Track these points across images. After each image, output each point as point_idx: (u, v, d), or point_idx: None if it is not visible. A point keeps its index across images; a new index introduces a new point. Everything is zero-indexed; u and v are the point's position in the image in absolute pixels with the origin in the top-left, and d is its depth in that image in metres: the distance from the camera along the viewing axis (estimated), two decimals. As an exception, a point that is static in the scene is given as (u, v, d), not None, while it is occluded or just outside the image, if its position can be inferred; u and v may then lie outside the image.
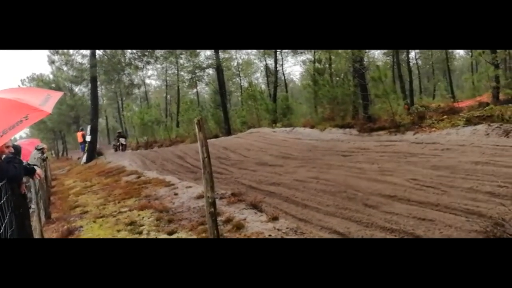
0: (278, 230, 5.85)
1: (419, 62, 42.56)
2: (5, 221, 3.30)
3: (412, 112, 15.30)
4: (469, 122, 11.43)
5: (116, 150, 27.02)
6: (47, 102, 3.35)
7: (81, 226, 7.91)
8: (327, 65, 24.71)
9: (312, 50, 30.66)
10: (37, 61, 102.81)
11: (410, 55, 36.22)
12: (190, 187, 10.14)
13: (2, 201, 3.28)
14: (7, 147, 4.06)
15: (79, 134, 29.25)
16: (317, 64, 24.76)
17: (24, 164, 4.27)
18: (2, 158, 3.80)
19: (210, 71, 34.84)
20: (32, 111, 3.15)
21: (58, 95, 3.71)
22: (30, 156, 8.02)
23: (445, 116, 13.30)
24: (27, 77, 42.33)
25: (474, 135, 10.47)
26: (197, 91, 42.38)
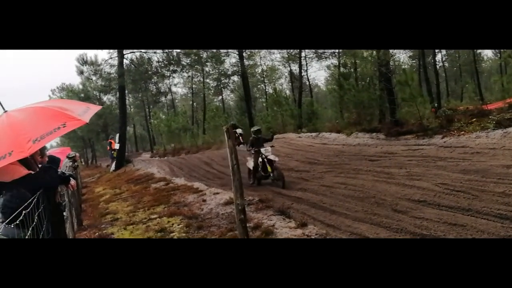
0: (308, 236, 5.87)
1: (446, 64, 41.88)
2: (43, 229, 3.42)
3: (440, 115, 15.08)
4: (499, 124, 11.18)
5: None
6: (85, 113, 3.49)
7: (112, 233, 8.07)
8: (352, 70, 24.60)
9: (337, 55, 30.58)
10: (66, 71, 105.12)
11: (436, 58, 35.72)
12: (217, 193, 10.25)
13: (39, 210, 3.39)
14: (43, 156, 4.21)
15: (110, 141, 29.76)
16: (342, 69, 24.67)
17: (59, 173, 4.40)
18: (39, 167, 3.94)
19: (235, 78, 35.10)
20: (70, 119, 3.29)
21: (96, 108, 3.87)
22: (61, 165, 8.23)
23: (474, 119, 13.05)
24: (57, 87, 43.36)
25: (505, 138, 10.24)
26: (222, 98, 42.64)
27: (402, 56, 36.18)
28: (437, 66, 35.06)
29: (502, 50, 30.79)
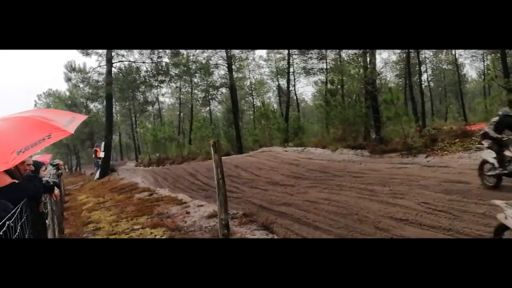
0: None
1: (431, 84, 42.50)
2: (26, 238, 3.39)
3: (424, 134, 15.28)
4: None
5: None
6: (71, 123, 3.49)
7: (94, 243, 7.98)
8: (339, 86, 24.84)
9: (325, 71, 30.90)
10: (54, 78, 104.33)
11: (422, 77, 36.26)
12: (201, 205, 10.22)
13: (22, 220, 3.36)
14: (28, 165, 4.18)
15: (96, 149, 29.61)
16: (329, 85, 24.91)
17: (43, 182, 4.37)
18: (23, 176, 3.91)
19: (224, 90, 35.20)
20: (55, 130, 3.29)
21: (82, 118, 3.86)
22: (45, 172, 8.15)
23: (457, 140, 13.27)
24: (43, 93, 43.11)
25: (486, 159, 10.43)
26: (210, 109, 42.71)
27: (388, 75, 36.72)
28: (423, 86, 35.57)
29: (486, 72, 31.40)
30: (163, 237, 7.65)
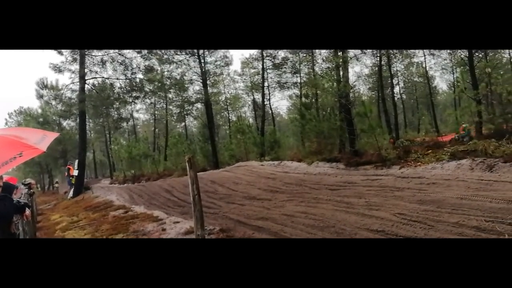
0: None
1: (404, 96, 43.36)
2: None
3: (398, 146, 15.51)
4: (453, 156, 11.62)
5: None
6: (42, 141, 3.43)
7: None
8: (313, 100, 25.09)
9: (299, 85, 31.20)
10: (25, 95, 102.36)
11: (394, 90, 36.94)
12: (178, 222, 10.13)
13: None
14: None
15: (69, 167, 29.05)
16: (304, 99, 25.12)
17: (14, 202, 4.27)
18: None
19: (199, 105, 35.14)
20: (26, 148, 3.23)
21: (53, 135, 3.80)
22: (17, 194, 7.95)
23: (430, 151, 13.51)
24: (15, 111, 42.29)
25: (458, 169, 10.63)
26: (185, 125, 42.58)
27: (361, 88, 37.35)
28: (395, 98, 36.22)
29: (456, 84, 32.19)
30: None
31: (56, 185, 34.53)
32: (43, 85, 34.56)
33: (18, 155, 3.12)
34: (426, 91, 39.57)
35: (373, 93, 37.67)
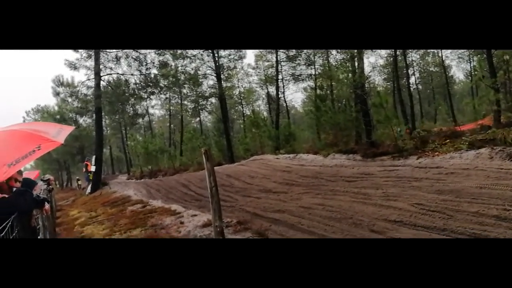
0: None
1: (420, 86, 42.86)
2: (18, 253, 3.34)
3: (415, 136, 15.33)
4: (472, 145, 11.43)
5: None
6: (59, 134, 3.47)
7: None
8: (328, 92, 24.93)
9: (313, 77, 31.02)
10: (42, 93, 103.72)
11: (410, 80, 36.54)
12: (195, 215, 10.17)
13: (13, 235, 3.32)
14: (16, 180, 4.13)
15: (86, 163, 29.45)
16: (318, 91, 24.96)
17: (34, 196, 4.32)
18: (13, 190, 3.86)
19: (213, 100, 35.19)
20: (44, 141, 3.27)
21: (70, 129, 3.85)
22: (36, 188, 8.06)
23: (447, 140, 13.31)
24: (32, 109, 42.84)
25: (477, 158, 10.47)
26: (200, 120, 42.69)
27: (376, 79, 36.96)
28: (411, 88, 35.84)
29: (473, 73, 31.71)
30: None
31: (79, 182, 34.88)
32: (59, 82, 35.00)
33: (37, 148, 3.16)
34: (442, 81, 39.07)
35: (388, 83, 37.28)
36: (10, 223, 3.20)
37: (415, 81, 41.16)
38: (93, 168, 27.17)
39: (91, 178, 27.34)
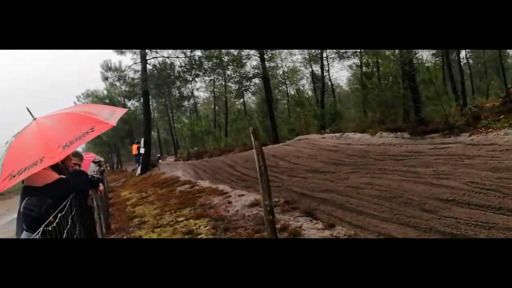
0: (336, 237, 5.82)
1: (470, 61, 41.12)
2: (77, 231, 3.49)
3: (466, 113, 14.77)
4: (528, 121, 10.92)
5: None
6: (112, 116, 3.55)
7: (140, 236, 8.18)
8: (374, 69, 24.35)
9: (359, 54, 30.34)
10: (91, 78, 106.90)
11: (460, 55, 35.09)
12: (242, 195, 10.28)
13: (73, 213, 3.46)
14: (70, 160, 4.29)
15: (134, 146, 30.27)
16: (364, 68, 24.42)
17: (89, 176, 4.48)
18: (70, 171, 4.01)
19: (257, 80, 35.13)
20: (97, 123, 3.36)
21: (122, 111, 3.93)
22: (88, 170, 8.36)
23: (501, 116, 12.75)
24: (82, 94, 44.18)
25: (535, 134, 10.01)
26: (244, 101, 42.76)
27: (425, 54, 35.66)
28: (461, 64, 34.43)
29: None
30: (206, 227, 7.74)
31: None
32: (107, 67, 35.75)
33: (90, 129, 3.25)
34: (495, 54, 37.22)
35: (437, 59, 35.90)
36: (69, 202, 3.33)
37: (466, 55, 39.46)
38: (142, 150, 27.88)
39: (140, 160, 28.10)
